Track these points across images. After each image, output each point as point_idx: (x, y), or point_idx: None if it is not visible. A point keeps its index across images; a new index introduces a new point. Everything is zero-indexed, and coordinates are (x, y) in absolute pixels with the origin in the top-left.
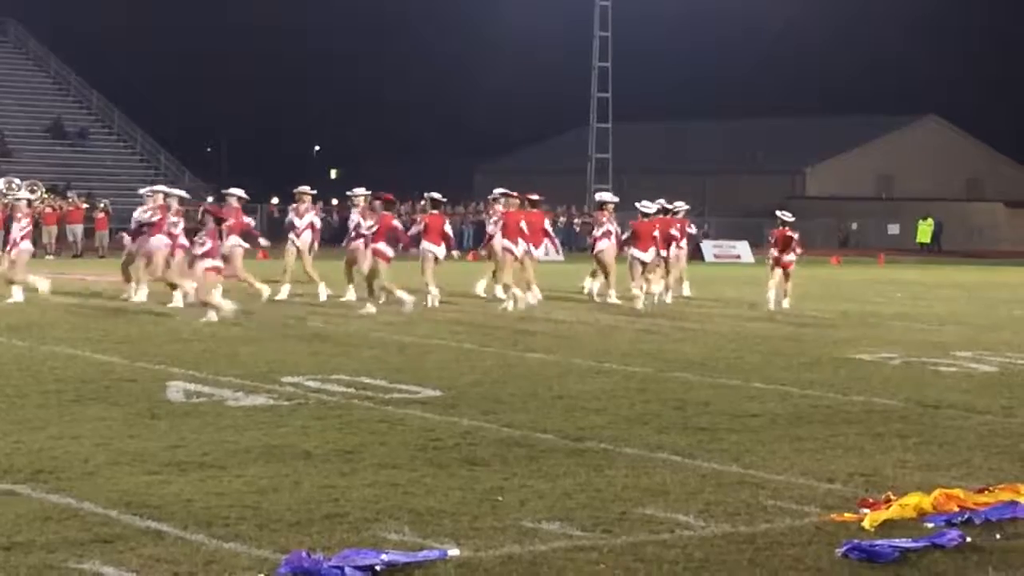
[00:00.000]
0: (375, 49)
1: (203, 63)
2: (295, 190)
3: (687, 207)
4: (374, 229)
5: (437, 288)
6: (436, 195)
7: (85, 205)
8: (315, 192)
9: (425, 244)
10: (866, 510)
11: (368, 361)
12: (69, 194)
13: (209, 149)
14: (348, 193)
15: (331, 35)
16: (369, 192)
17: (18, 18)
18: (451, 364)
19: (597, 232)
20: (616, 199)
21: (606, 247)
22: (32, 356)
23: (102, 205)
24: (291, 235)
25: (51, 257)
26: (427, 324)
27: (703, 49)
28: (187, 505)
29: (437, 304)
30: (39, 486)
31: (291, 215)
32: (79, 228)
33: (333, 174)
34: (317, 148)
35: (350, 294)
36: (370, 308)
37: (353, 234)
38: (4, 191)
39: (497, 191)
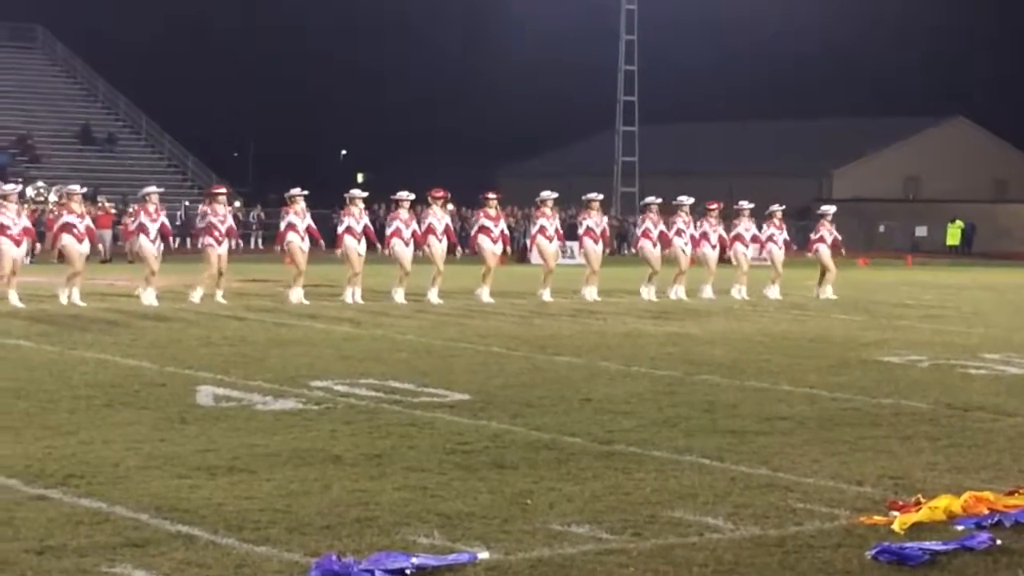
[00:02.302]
0: (401, 52)
1: (230, 67)
2: (287, 194)
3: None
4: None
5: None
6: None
7: (114, 210)
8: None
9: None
10: (896, 513)
11: (396, 365)
12: (98, 199)
13: (236, 154)
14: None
15: (357, 38)
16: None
17: (46, 24)
18: (479, 368)
19: (638, 231)
20: (659, 200)
21: (648, 245)
22: (63, 361)
23: (131, 210)
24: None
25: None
26: (455, 328)
27: (730, 51)
28: (217, 509)
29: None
30: (70, 491)
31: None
32: (108, 233)
33: (360, 178)
34: (344, 152)
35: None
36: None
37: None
38: (34, 197)
39: (545, 194)
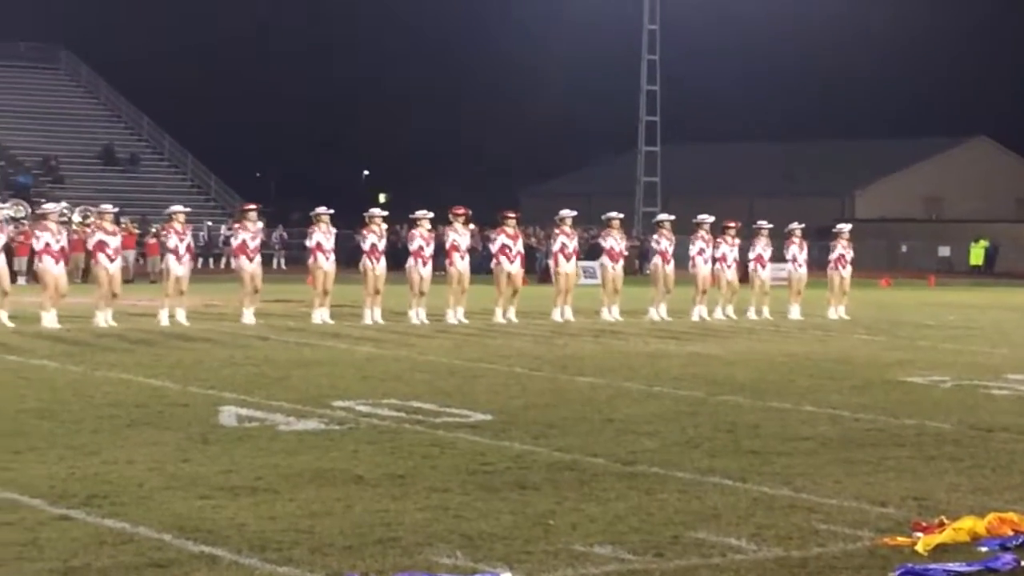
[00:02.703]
0: (423, 74)
1: (252, 87)
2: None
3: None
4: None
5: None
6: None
7: (137, 231)
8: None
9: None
10: (919, 534)
11: (418, 385)
12: (121, 220)
13: (259, 174)
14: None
15: (379, 60)
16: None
17: (70, 46)
18: (501, 388)
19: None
20: (672, 217)
21: (658, 264)
22: (86, 381)
23: (153, 230)
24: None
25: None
26: (477, 348)
27: (753, 72)
28: (240, 529)
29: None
30: (94, 511)
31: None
32: (131, 254)
33: (382, 198)
34: (366, 172)
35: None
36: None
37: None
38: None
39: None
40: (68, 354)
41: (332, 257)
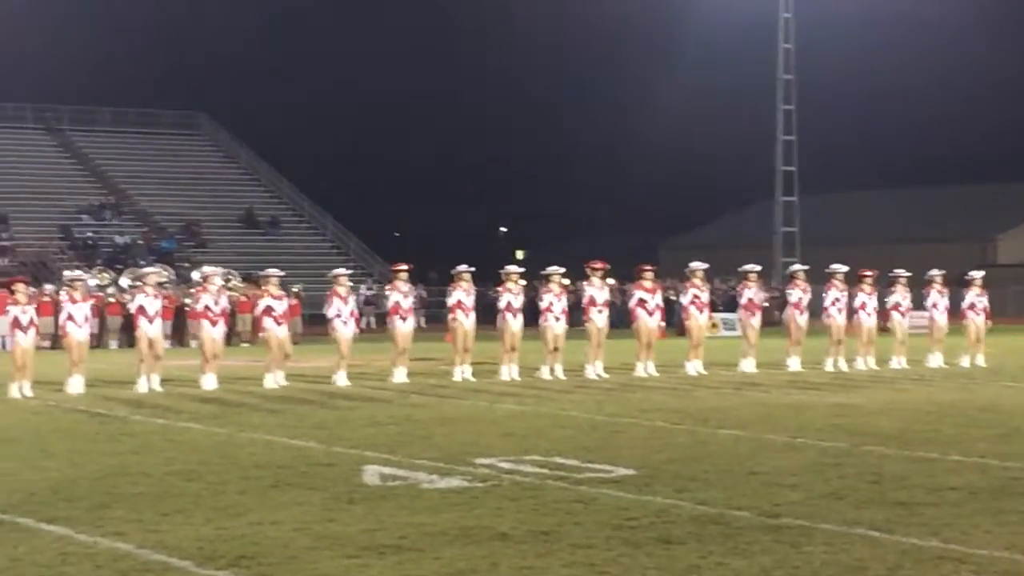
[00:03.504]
0: (556, 128)
1: (390, 148)
2: (453, 271)
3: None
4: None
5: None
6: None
7: (300, 295)
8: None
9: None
10: None
11: (560, 441)
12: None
13: (397, 234)
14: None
15: (512, 117)
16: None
17: (209, 112)
18: (643, 442)
19: (790, 299)
20: (806, 267)
21: (791, 313)
22: (231, 443)
23: (295, 291)
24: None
25: (247, 344)
26: (617, 403)
27: (889, 118)
28: None
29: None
30: (242, 572)
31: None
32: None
33: (520, 255)
34: (503, 229)
35: (546, 372)
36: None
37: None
38: (199, 281)
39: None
40: (213, 416)
41: (472, 315)
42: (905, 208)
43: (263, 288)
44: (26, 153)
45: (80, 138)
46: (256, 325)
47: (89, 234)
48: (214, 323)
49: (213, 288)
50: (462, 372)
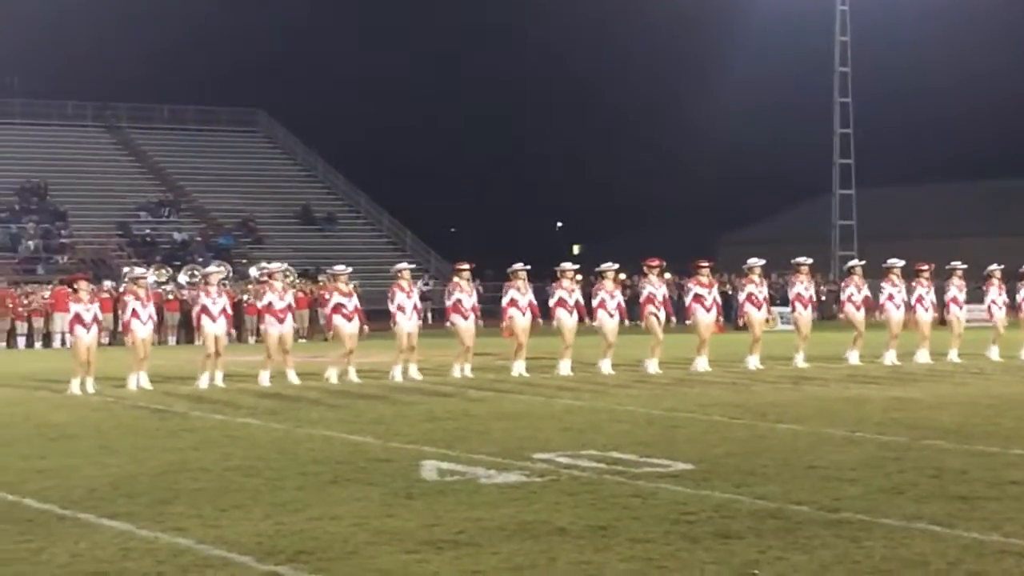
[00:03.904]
0: (613, 123)
1: (445, 144)
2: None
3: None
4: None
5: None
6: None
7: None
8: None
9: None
10: None
11: (618, 436)
12: (319, 278)
13: (453, 229)
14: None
15: (571, 113)
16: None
17: (267, 109)
18: (701, 437)
19: (843, 296)
20: (862, 262)
21: (850, 309)
22: (289, 439)
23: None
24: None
25: (303, 340)
26: (674, 397)
27: (946, 110)
28: None
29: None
30: (300, 566)
31: (512, 292)
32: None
33: (576, 250)
34: (559, 224)
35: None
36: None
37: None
38: (257, 278)
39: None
40: (271, 412)
41: (528, 312)
42: (964, 202)
43: (332, 284)
44: (86, 151)
45: (139, 135)
46: (327, 321)
47: (147, 231)
48: (280, 320)
49: (277, 285)
50: (518, 368)
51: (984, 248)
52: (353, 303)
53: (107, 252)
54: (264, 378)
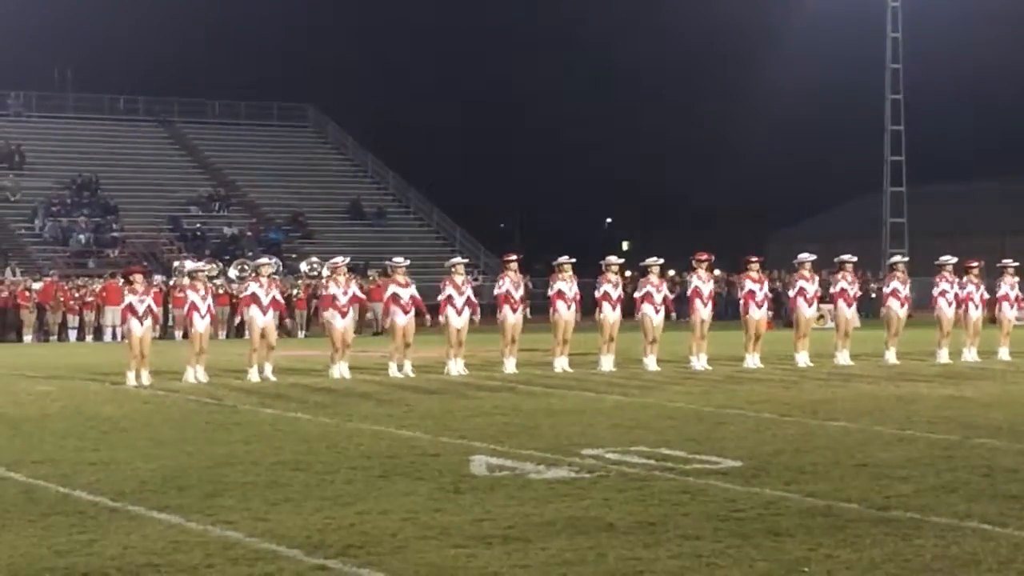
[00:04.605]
0: (668, 123)
1: (495, 139)
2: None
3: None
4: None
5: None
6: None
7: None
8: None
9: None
10: None
11: (667, 432)
12: (369, 273)
13: (502, 224)
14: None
15: (625, 110)
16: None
17: (317, 104)
18: (750, 434)
19: (886, 290)
20: (905, 259)
21: (894, 306)
22: (338, 433)
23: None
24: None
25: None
26: (723, 394)
27: (996, 107)
28: None
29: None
30: (350, 560)
31: (559, 284)
32: (379, 306)
33: (625, 245)
34: (609, 220)
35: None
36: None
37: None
38: (307, 272)
39: (803, 255)
40: (321, 405)
41: (573, 306)
42: (1015, 198)
43: (391, 276)
44: (137, 145)
45: (190, 130)
46: (384, 312)
47: (198, 225)
48: (343, 314)
49: (341, 278)
50: (561, 363)
51: None
52: (409, 293)
53: (158, 246)
54: (335, 371)
